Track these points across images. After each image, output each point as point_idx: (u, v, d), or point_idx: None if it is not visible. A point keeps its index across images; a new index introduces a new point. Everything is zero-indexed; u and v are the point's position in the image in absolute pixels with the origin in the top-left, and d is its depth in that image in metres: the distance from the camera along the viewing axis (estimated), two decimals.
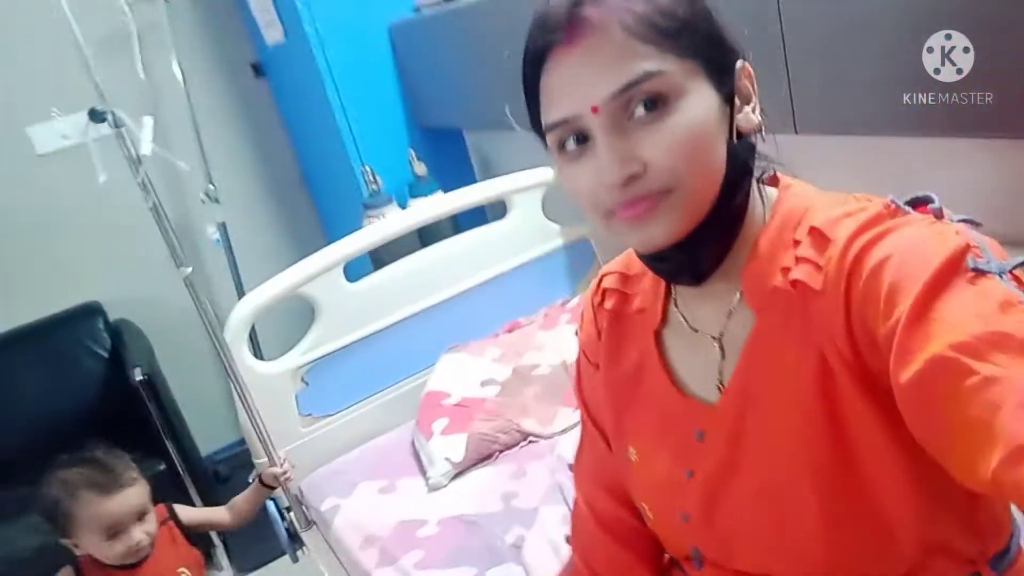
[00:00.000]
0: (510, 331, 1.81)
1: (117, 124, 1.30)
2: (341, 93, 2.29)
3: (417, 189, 2.30)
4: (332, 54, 2.25)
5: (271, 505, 1.63)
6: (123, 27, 2.30)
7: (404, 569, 1.27)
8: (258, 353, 2.60)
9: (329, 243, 1.69)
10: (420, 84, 2.30)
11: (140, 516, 1.33)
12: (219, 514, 1.56)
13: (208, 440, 2.76)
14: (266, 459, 1.56)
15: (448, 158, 2.49)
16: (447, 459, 1.47)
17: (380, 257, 2.12)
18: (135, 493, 1.33)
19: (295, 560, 1.63)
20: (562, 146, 0.62)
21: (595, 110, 0.58)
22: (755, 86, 0.65)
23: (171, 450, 2.24)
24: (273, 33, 2.52)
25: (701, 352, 0.70)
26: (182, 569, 1.40)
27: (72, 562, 1.36)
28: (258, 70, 2.87)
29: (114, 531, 1.29)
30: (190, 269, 1.47)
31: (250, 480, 1.55)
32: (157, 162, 2.53)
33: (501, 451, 1.51)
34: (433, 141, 2.42)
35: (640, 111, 0.58)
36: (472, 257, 1.82)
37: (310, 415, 1.65)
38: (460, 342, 1.76)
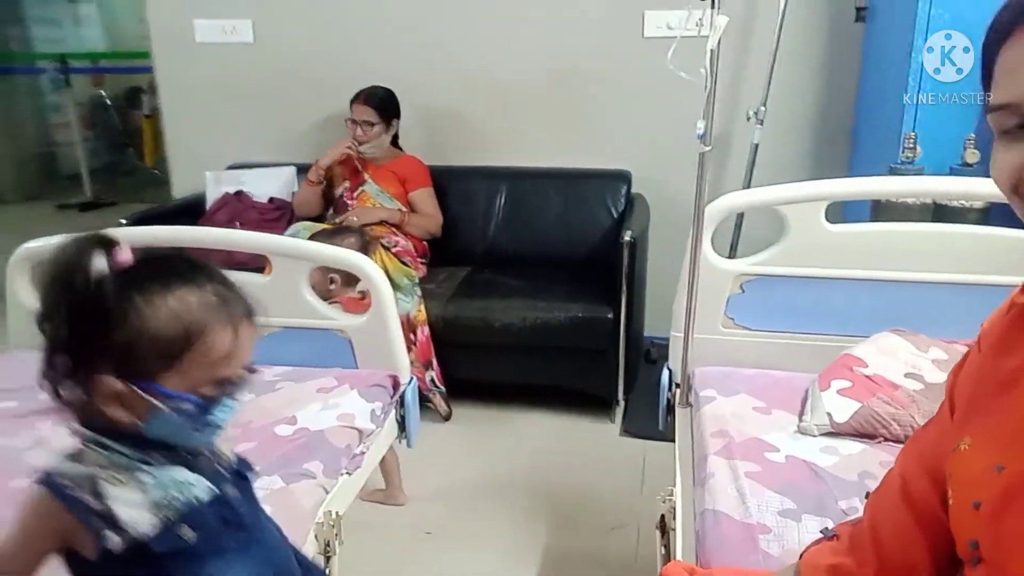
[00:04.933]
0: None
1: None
2: (927, 52, 2.17)
3: (959, 174, 2.12)
4: (936, 9, 2.14)
5: (665, 374, 1.83)
6: None
7: (736, 469, 1.35)
8: (732, 249, 2.77)
9: None
10: None
11: None
12: None
13: (656, 323, 3.05)
14: (681, 335, 1.75)
15: None
16: (829, 414, 1.46)
17: (880, 217, 2.05)
18: None
19: (662, 427, 1.81)
20: (1004, 129, 0.61)
21: None
22: None
23: (622, 306, 2.57)
24: None
25: None
26: None
27: None
28: (860, 14, 2.84)
29: None
30: (710, 148, 1.63)
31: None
32: (724, 72, 2.77)
33: (886, 439, 1.44)
34: None
35: None
36: (981, 255, 1.66)
37: (732, 319, 1.77)
38: (908, 328, 1.66)
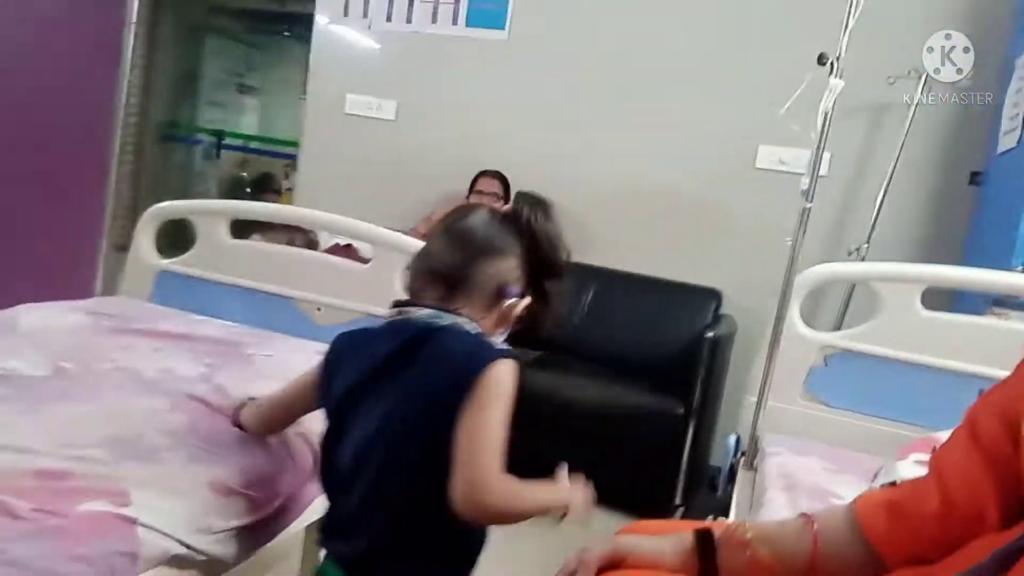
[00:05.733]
0: None
1: (832, 69, 1.56)
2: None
3: None
4: None
5: (731, 440, 1.78)
6: (874, 98, 2.70)
7: (796, 501, 1.29)
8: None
9: None
10: None
11: None
12: None
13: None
14: (755, 400, 1.71)
15: None
16: (905, 479, 1.38)
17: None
18: None
19: (720, 491, 1.74)
20: None
21: None
22: None
23: (694, 402, 2.53)
24: (1008, 139, 2.54)
25: None
26: None
27: None
28: (974, 178, 2.89)
29: None
30: (811, 204, 1.66)
31: None
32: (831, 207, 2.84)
33: None
34: None
35: None
36: None
37: (810, 392, 1.73)
38: None
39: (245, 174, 7.34)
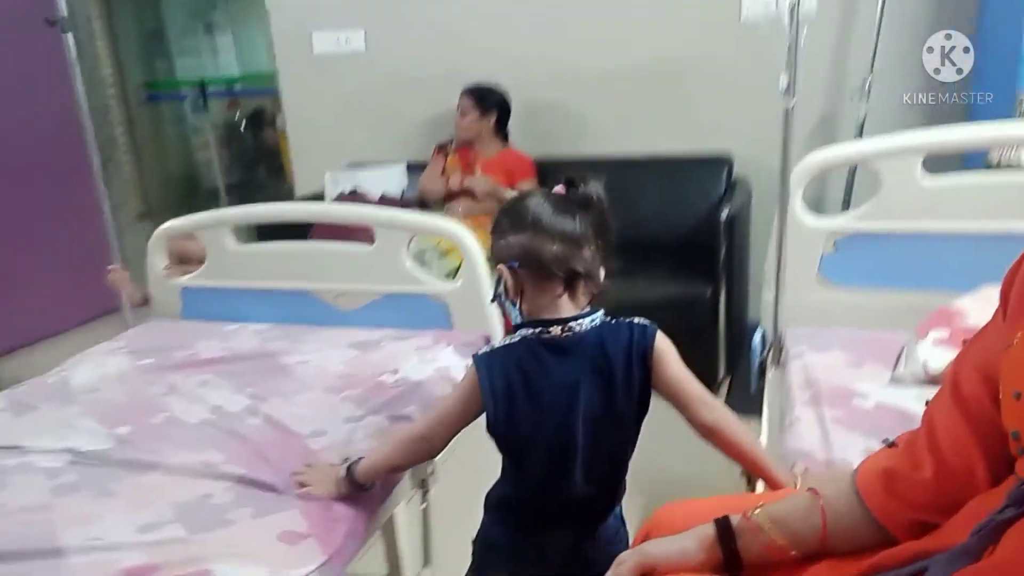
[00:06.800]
0: None
1: None
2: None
3: None
4: None
5: (758, 336, 1.83)
6: None
7: (822, 415, 1.35)
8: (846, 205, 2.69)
9: None
10: None
11: None
12: None
13: None
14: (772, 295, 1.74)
15: None
16: (925, 363, 1.43)
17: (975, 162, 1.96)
18: None
19: (754, 387, 1.81)
20: None
21: None
22: None
23: (721, 284, 2.57)
24: None
25: None
26: None
27: None
28: None
29: None
30: (795, 100, 1.63)
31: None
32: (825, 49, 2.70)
33: None
34: None
35: None
36: None
37: (824, 278, 1.75)
38: None
39: (237, 116, 7.24)
